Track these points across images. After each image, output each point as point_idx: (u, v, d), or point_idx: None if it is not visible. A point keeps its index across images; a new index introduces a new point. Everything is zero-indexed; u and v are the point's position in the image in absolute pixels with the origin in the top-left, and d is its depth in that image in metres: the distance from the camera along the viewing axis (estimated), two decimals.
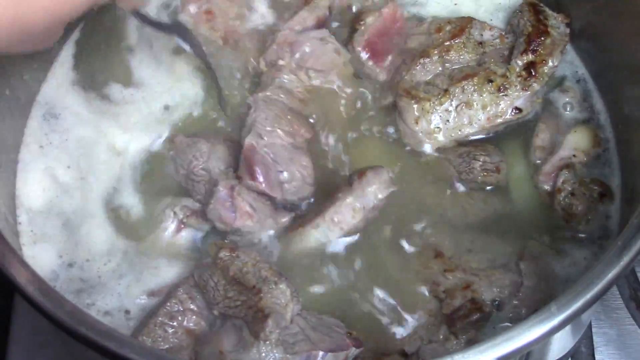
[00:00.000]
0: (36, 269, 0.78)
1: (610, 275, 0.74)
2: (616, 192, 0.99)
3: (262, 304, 0.85)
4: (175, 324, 0.88)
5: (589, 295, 0.72)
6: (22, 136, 1.03)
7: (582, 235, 0.96)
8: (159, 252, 0.96)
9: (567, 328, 0.73)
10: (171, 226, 0.96)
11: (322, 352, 0.82)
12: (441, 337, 0.88)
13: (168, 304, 0.89)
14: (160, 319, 0.89)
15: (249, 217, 0.92)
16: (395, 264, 0.94)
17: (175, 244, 0.96)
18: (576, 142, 1.01)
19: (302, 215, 0.96)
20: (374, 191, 0.94)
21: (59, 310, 0.72)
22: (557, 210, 0.97)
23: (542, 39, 1.02)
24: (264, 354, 0.82)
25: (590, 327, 1.10)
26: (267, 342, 0.82)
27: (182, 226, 0.96)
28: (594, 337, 1.10)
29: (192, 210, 0.96)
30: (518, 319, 0.89)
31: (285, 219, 0.95)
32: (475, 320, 0.88)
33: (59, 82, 1.07)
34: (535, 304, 0.90)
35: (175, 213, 0.96)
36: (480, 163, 0.99)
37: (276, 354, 0.82)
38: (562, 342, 0.95)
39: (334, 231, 0.93)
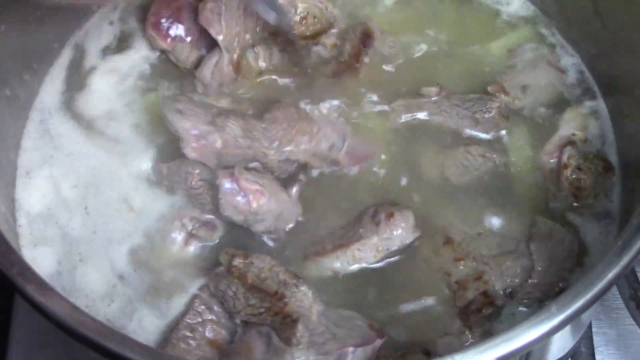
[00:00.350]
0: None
1: (610, 275, 0.74)
2: (616, 163, 1.01)
3: (288, 309, 0.84)
4: (197, 336, 0.88)
5: (589, 295, 0.72)
6: (22, 137, 1.03)
7: (588, 211, 0.97)
8: (168, 264, 0.94)
9: (567, 328, 0.73)
10: (180, 237, 0.95)
11: (351, 348, 0.82)
12: (456, 330, 0.89)
13: (187, 317, 0.89)
14: (182, 332, 0.88)
15: (261, 194, 0.91)
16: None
17: (185, 255, 0.95)
18: (573, 120, 1.03)
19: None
20: (400, 235, 0.93)
21: (59, 310, 0.72)
22: (565, 185, 0.98)
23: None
24: (301, 359, 0.82)
25: (590, 327, 1.10)
26: (300, 347, 0.82)
27: (191, 238, 0.95)
28: (594, 337, 1.10)
29: (201, 221, 0.95)
30: (532, 305, 0.90)
31: (294, 189, 0.95)
32: (489, 314, 0.89)
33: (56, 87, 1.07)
34: (548, 287, 0.90)
35: (183, 224, 0.95)
36: (498, 104, 1.01)
37: (310, 358, 0.82)
38: (562, 342, 0.95)
39: (352, 265, 0.93)
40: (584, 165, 0.99)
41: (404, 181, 0.99)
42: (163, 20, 1.02)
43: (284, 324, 0.84)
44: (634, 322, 0.94)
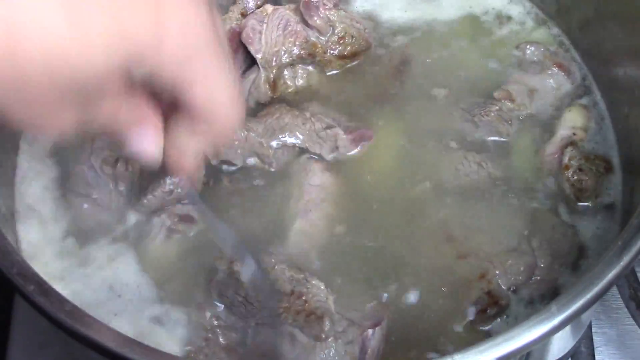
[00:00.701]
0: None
1: (610, 275, 0.74)
2: (616, 164, 1.01)
3: (309, 306, 0.84)
4: (211, 344, 0.87)
5: (589, 295, 0.72)
6: (22, 136, 1.02)
7: (590, 206, 0.98)
8: (149, 263, 0.93)
9: (567, 328, 0.73)
10: (160, 234, 0.94)
11: (371, 331, 0.83)
12: (461, 328, 0.89)
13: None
14: (196, 345, 0.87)
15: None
16: (405, 250, 0.94)
17: (166, 253, 0.94)
18: (573, 121, 1.03)
19: None
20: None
21: (59, 310, 0.72)
22: (566, 187, 0.98)
23: None
24: (331, 352, 0.82)
25: (590, 327, 1.10)
26: (330, 340, 0.82)
27: (172, 232, 0.94)
28: (594, 337, 1.10)
29: (180, 215, 0.94)
30: (536, 301, 0.90)
31: None
32: (494, 314, 0.89)
33: None
34: (552, 283, 0.91)
35: (163, 220, 0.94)
36: (497, 108, 1.01)
37: (339, 349, 0.82)
38: (562, 342, 0.95)
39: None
40: (586, 166, 0.99)
41: (404, 180, 0.99)
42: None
43: (309, 321, 0.84)
44: (634, 322, 0.94)
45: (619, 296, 0.95)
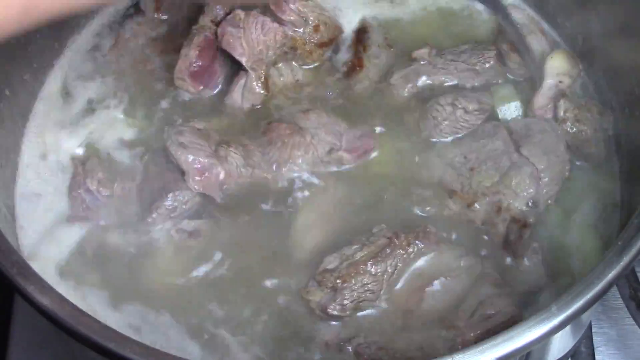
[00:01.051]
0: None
1: (610, 275, 0.74)
2: (608, 105, 1.03)
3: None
4: None
5: (589, 295, 0.73)
6: (22, 138, 1.03)
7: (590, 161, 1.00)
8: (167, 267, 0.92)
9: (567, 328, 0.73)
10: (166, 225, 0.93)
11: None
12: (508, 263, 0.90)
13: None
14: None
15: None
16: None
17: (184, 242, 0.92)
18: (557, 68, 1.04)
19: None
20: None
21: (59, 310, 0.72)
22: (568, 139, 0.98)
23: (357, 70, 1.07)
24: None
25: (590, 327, 1.10)
26: None
27: (180, 248, 0.92)
28: (594, 337, 1.10)
29: (188, 232, 0.93)
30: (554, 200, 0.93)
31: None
32: (530, 235, 0.90)
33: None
34: (562, 174, 0.94)
35: (171, 236, 0.92)
36: (495, 52, 1.03)
37: None
38: (562, 342, 0.95)
39: None
40: (582, 115, 0.99)
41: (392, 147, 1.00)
42: (201, 70, 1.03)
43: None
44: (634, 322, 0.94)
45: (619, 296, 0.95)
